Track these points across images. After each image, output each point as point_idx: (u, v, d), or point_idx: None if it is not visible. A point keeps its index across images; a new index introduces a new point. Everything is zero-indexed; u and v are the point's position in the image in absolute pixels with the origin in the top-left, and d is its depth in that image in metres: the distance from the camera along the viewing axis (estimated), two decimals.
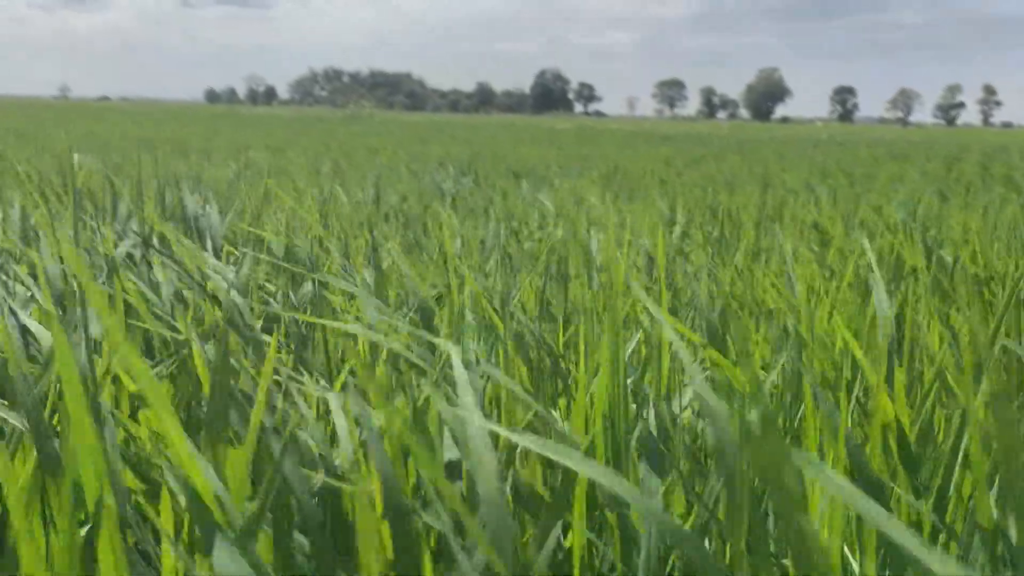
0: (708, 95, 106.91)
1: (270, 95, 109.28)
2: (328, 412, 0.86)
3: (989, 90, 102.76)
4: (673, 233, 2.24)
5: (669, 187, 4.27)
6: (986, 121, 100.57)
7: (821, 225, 2.02)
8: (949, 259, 1.71)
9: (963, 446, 0.62)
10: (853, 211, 2.84)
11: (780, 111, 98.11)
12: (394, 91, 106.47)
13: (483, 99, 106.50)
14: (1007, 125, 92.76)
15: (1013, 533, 0.49)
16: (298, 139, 8.87)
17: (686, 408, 0.81)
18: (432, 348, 0.88)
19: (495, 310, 0.97)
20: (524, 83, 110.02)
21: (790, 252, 1.31)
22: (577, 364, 0.92)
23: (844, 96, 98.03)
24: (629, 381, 0.76)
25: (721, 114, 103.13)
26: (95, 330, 0.83)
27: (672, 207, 2.97)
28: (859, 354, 0.71)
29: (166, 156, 5.13)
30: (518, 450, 0.70)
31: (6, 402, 0.64)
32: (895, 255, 1.71)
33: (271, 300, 1.21)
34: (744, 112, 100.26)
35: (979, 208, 2.72)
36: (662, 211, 2.80)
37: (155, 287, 1.04)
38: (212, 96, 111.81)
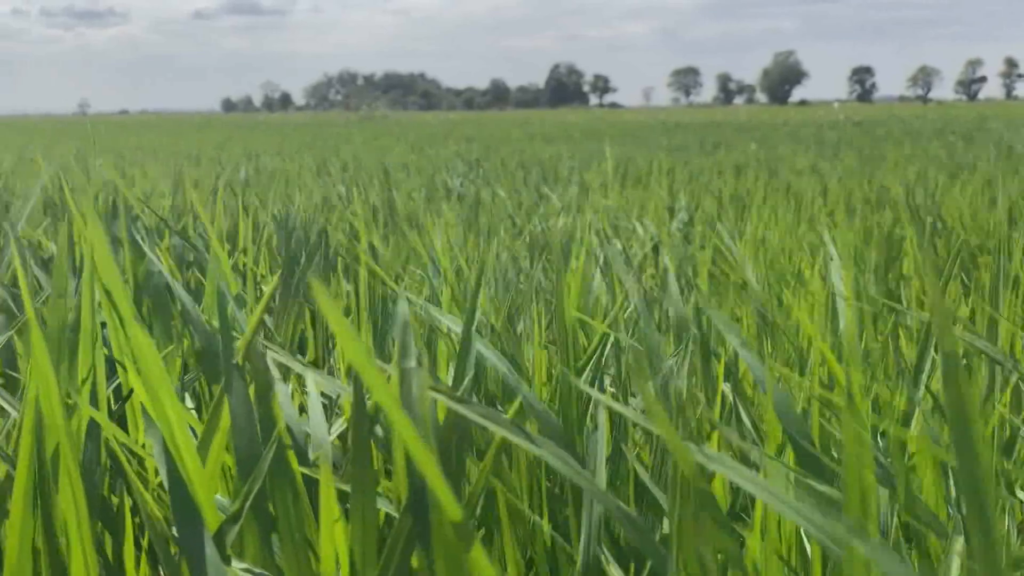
0: (724, 81, 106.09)
1: (285, 102, 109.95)
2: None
3: (1011, 63, 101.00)
4: (673, 222, 2.24)
5: (677, 176, 4.26)
6: (1009, 94, 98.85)
7: (815, 217, 2.01)
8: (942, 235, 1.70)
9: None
10: (856, 191, 2.82)
11: (798, 94, 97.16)
12: (408, 92, 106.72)
13: (498, 95, 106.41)
14: None
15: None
16: (309, 143, 8.94)
17: None
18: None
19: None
20: (539, 78, 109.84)
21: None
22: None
23: (862, 76, 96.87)
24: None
25: (738, 99, 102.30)
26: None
27: (673, 195, 2.97)
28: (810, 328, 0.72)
29: (179, 165, 5.19)
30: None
31: None
32: (890, 232, 1.71)
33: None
34: (761, 96, 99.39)
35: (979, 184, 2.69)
36: (664, 200, 2.80)
37: None
38: (228, 105, 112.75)
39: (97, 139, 11.11)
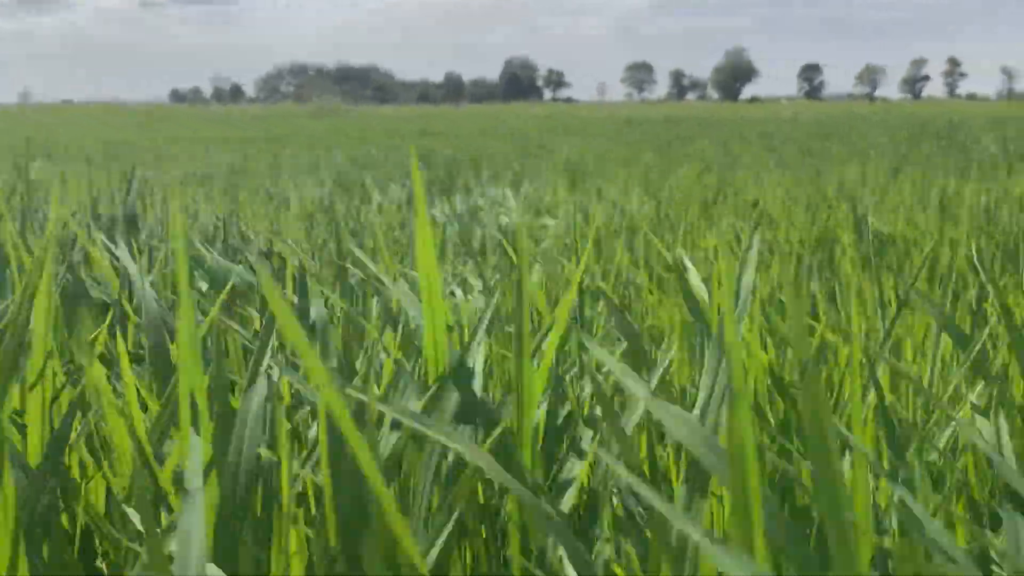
0: (677, 77, 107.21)
1: (236, 93, 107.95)
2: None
3: (954, 62, 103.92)
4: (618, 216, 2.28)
5: (631, 171, 4.31)
6: (951, 93, 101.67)
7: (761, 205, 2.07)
8: (878, 230, 1.76)
9: None
10: (798, 186, 2.89)
11: (749, 91, 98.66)
12: (362, 84, 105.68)
13: (452, 89, 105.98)
14: (971, 96, 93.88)
15: None
16: (259, 137, 8.82)
17: None
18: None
19: None
20: (494, 72, 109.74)
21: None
22: None
23: (810, 74, 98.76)
24: None
25: (690, 95, 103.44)
26: None
27: (623, 190, 3.02)
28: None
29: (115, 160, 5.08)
30: None
31: None
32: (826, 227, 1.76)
33: None
34: (713, 93, 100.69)
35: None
36: (611, 196, 2.84)
37: None
38: (177, 96, 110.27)
39: (37, 133, 10.80)
